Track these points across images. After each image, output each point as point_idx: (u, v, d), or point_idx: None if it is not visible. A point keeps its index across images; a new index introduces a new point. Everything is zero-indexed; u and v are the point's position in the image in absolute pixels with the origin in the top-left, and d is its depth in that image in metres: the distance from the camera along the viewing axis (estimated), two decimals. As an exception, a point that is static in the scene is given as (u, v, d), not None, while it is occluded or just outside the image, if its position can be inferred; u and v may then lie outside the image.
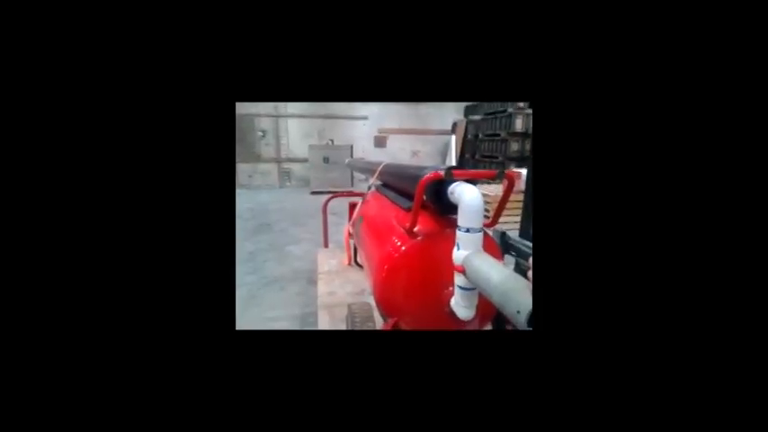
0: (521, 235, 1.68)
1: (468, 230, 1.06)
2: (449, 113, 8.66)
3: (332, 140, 7.92)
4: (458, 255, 1.07)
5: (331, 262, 2.40)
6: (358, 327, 1.24)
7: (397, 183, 1.65)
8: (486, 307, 1.15)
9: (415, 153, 8.86)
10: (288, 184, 8.25)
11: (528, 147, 6.71)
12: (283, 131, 8.07)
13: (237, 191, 7.36)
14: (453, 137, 8.26)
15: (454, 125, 8.41)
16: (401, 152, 8.68)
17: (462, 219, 1.06)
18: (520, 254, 1.55)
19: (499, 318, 1.40)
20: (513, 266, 1.42)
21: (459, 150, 8.16)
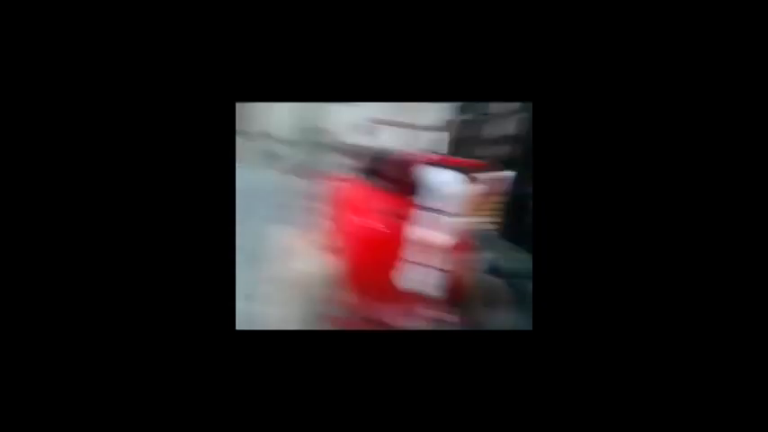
0: (502, 236, 1.74)
1: (428, 210, 1.12)
2: (441, 110, 8.64)
3: (318, 126, 7.79)
4: (420, 232, 1.13)
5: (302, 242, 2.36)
6: (311, 293, 1.26)
7: (374, 166, 1.69)
8: (455, 285, 1.22)
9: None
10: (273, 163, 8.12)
11: (518, 150, 6.77)
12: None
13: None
14: (447, 134, 8.29)
15: (447, 123, 8.43)
16: (390, 143, 8.62)
17: (430, 199, 1.12)
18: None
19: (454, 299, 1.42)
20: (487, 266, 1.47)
21: (452, 149, 8.21)
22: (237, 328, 0.78)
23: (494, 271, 1.53)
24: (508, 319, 1.33)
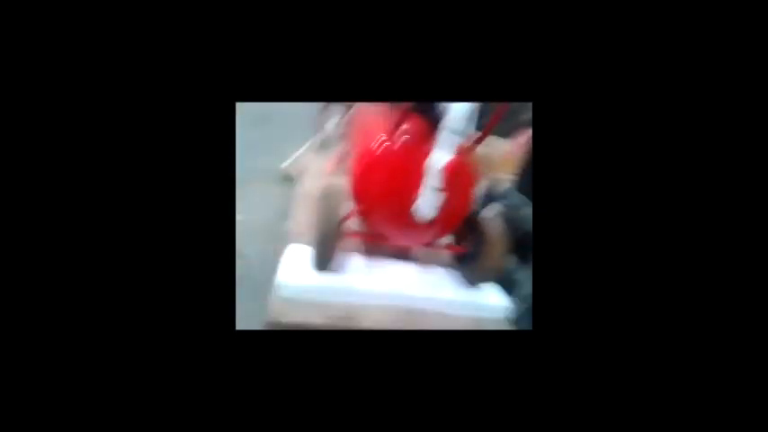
0: (518, 189, 1.84)
1: (450, 132, 1.10)
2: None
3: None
4: (435, 155, 1.13)
5: (319, 163, 2.43)
6: (329, 204, 1.30)
7: None
8: (450, 210, 1.26)
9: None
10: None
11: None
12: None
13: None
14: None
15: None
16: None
17: (448, 120, 1.10)
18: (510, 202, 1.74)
19: (460, 234, 1.52)
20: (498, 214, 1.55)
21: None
22: (238, 328, 0.79)
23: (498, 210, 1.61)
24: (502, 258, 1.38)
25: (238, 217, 1.86)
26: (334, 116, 2.62)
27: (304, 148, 2.24)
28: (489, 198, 1.88)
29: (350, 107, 2.18)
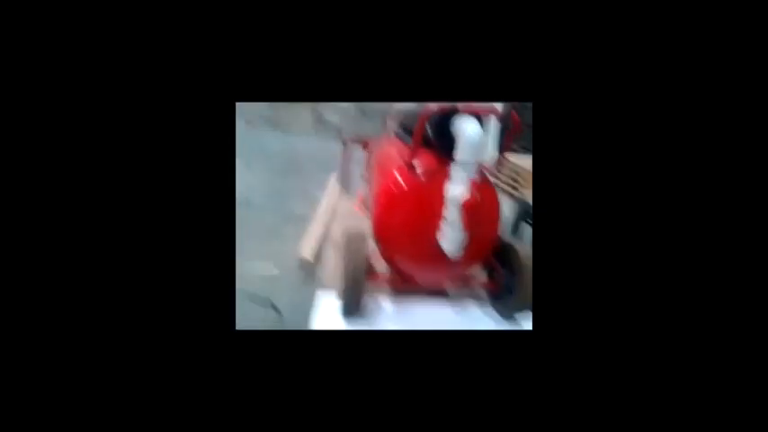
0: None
1: (462, 165, 1.08)
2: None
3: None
4: (450, 189, 1.13)
5: (345, 205, 2.53)
6: (351, 247, 1.31)
7: (410, 124, 1.66)
8: (476, 246, 1.24)
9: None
10: (322, 129, 8.21)
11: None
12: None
13: (272, 132, 7.43)
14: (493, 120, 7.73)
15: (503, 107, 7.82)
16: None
17: (459, 151, 1.10)
18: None
19: (491, 264, 1.48)
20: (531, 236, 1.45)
21: (500, 141, 7.70)
22: (237, 327, 0.82)
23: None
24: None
25: (274, 272, 1.90)
26: (352, 157, 2.70)
27: (315, 229, 2.27)
28: (520, 218, 1.79)
29: (368, 147, 2.24)
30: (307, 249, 1.85)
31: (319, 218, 2.27)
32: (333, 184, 3.03)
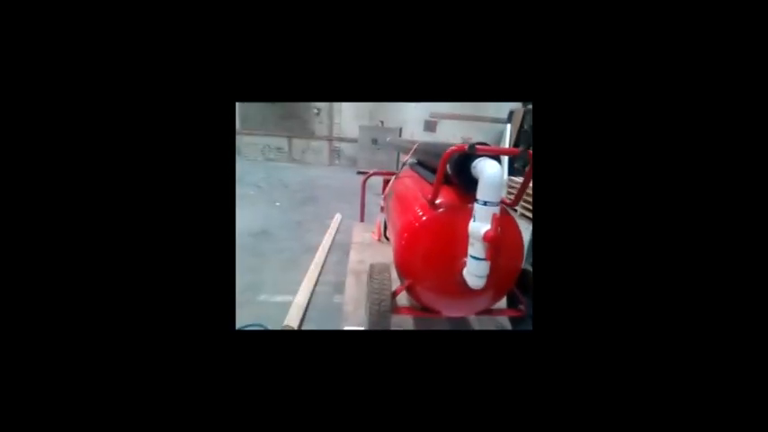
0: None
1: (485, 203, 1.10)
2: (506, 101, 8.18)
3: (382, 122, 7.91)
4: (473, 226, 1.13)
5: (365, 235, 2.60)
6: (376, 282, 1.33)
7: (428, 159, 1.72)
8: (500, 280, 1.23)
9: (465, 140, 8.50)
10: (336, 162, 8.44)
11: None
12: (336, 111, 8.18)
13: (289, 165, 7.66)
14: (509, 126, 7.88)
15: (511, 114, 7.98)
16: (452, 139, 8.43)
17: (481, 192, 1.11)
18: None
19: (514, 296, 1.46)
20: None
21: (513, 141, 7.81)
22: (238, 327, 0.82)
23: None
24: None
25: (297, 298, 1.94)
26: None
27: (300, 300, 2.01)
28: None
29: (387, 180, 2.31)
30: (293, 318, 1.78)
31: (307, 282, 2.19)
32: (332, 229, 3.10)
